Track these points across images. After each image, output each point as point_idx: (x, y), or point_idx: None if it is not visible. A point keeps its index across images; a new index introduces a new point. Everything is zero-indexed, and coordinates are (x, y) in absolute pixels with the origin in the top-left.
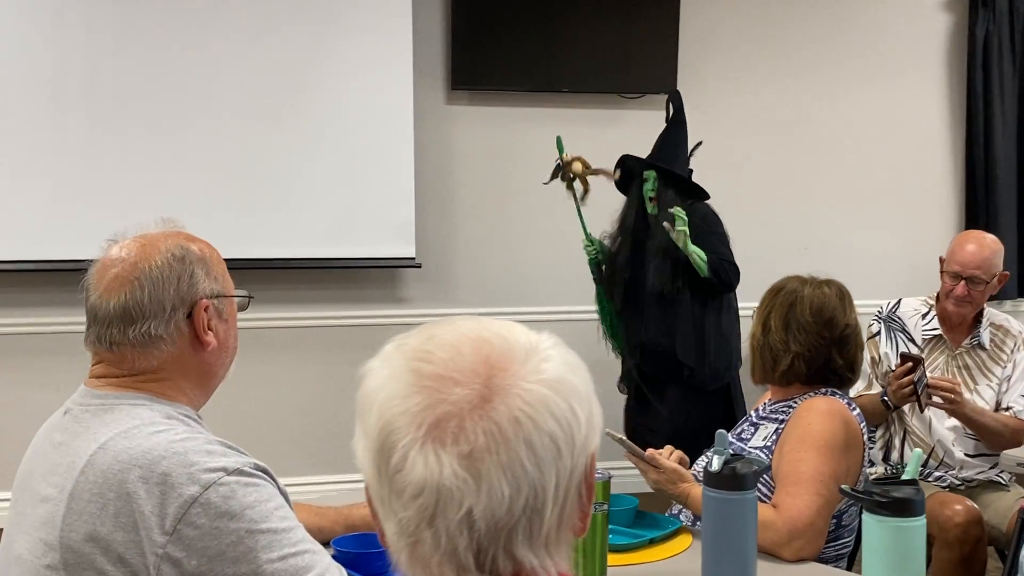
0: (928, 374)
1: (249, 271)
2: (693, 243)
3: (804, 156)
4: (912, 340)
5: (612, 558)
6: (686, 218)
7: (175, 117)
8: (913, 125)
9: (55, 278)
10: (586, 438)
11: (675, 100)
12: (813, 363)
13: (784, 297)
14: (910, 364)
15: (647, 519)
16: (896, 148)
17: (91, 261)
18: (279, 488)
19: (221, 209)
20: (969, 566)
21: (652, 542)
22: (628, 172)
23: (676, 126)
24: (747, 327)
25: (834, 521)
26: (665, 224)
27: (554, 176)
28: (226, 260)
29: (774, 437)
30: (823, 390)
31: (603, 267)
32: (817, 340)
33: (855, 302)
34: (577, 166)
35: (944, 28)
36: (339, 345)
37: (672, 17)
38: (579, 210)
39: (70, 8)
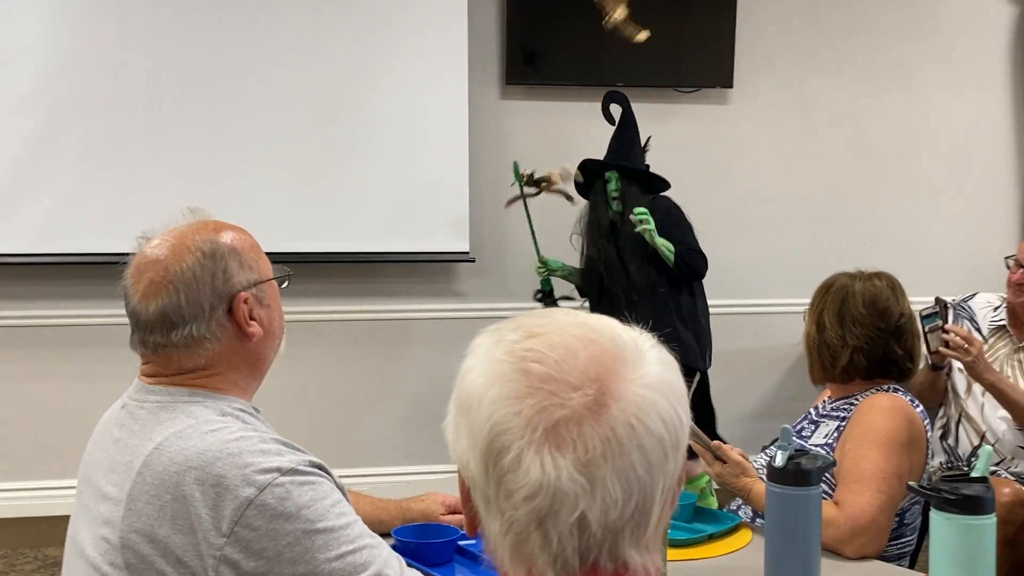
0: (951, 334)
1: (305, 265)
2: (659, 236)
3: (862, 152)
4: (978, 329)
5: (671, 553)
6: (648, 215)
7: (233, 113)
8: (974, 120)
9: (117, 271)
10: (685, 440)
11: (620, 101)
12: (872, 356)
13: (835, 293)
14: (934, 306)
15: (706, 514)
16: (957, 143)
17: (127, 259)
18: (335, 483)
19: (278, 204)
20: (1014, 547)
21: (711, 537)
22: (588, 176)
23: (626, 125)
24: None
25: (897, 519)
26: (631, 218)
27: (514, 200)
28: (282, 254)
29: (835, 434)
30: (885, 386)
31: (570, 280)
32: (874, 332)
33: (915, 299)
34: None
35: (1008, 21)
36: (395, 339)
37: (729, 10)
38: (533, 233)
39: (132, 7)
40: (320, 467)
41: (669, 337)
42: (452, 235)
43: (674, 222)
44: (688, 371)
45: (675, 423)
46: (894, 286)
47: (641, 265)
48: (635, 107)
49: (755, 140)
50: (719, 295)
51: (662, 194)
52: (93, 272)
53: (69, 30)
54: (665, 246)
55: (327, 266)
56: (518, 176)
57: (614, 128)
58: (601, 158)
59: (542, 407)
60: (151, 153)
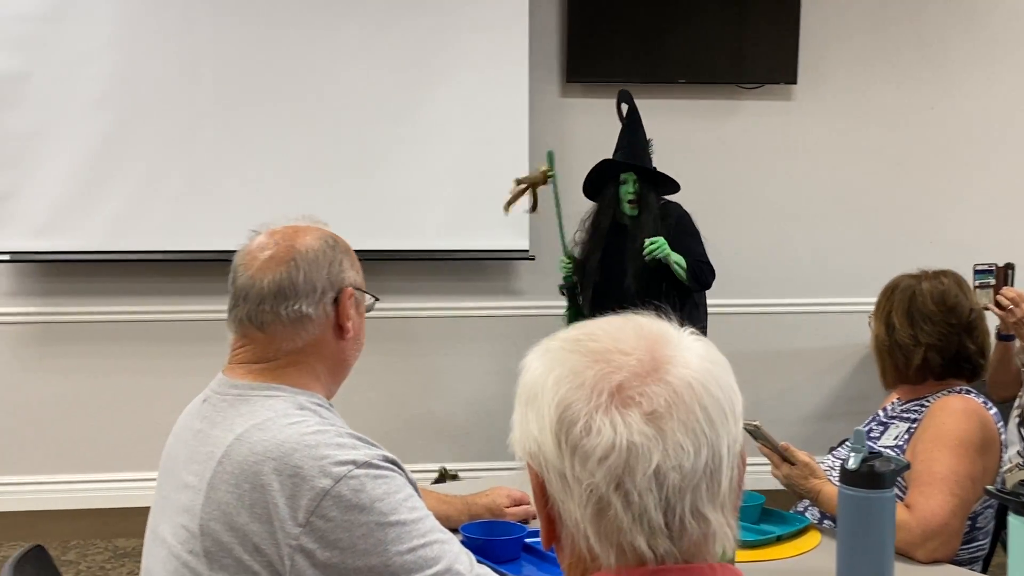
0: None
1: (366, 262)
2: (671, 246)
3: (928, 150)
4: None
5: (739, 554)
6: (662, 245)
7: (297, 114)
8: None
9: (188, 268)
10: (741, 413)
11: (628, 99)
12: (945, 352)
13: (901, 293)
14: (990, 264)
15: (774, 516)
16: (1021, 147)
17: (234, 251)
18: (408, 478)
19: (341, 202)
20: None
21: (780, 539)
22: (600, 177)
23: (636, 125)
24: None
25: (969, 523)
26: (648, 248)
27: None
28: None
29: (906, 436)
30: (957, 388)
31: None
32: (945, 329)
33: None
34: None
35: None
36: (455, 336)
37: (793, 5)
38: (561, 226)
39: (200, 11)
40: (394, 462)
41: None
42: (511, 233)
43: (685, 231)
44: None
45: (729, 390)
46: (960, 283)
47: (639, 273)
48: (696, 104)
49: (819, 137)
50: (778, 294)
51: (671, 200)
52: (161, 269)
53: (140, 33)
54: (678, 262)
55: (388, 263)
56: (552, 163)
57: (622, 126)
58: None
59: (603, 373)
60: (218, 153)
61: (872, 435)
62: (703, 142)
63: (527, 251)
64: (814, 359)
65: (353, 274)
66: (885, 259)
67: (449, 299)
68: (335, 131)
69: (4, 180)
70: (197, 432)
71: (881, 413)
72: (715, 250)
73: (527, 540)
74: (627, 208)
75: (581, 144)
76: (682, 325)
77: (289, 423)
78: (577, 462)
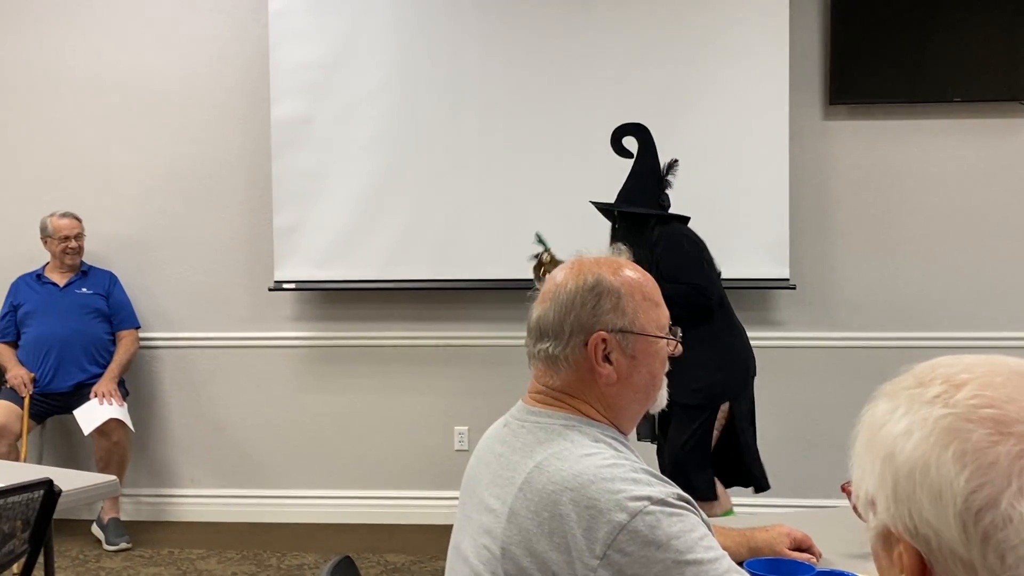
0: None
1: None
2: (667, 277)
3: None
4: None
5: None
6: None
7: (555, 143)
8: None
9: (455, 296)
10: None
11: (635, 132)
12: None
13: None
14: None
15: None
16: None
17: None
18: (702, 517)
19: (597, 229)
20: None
21: None
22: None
23: (639, 160)
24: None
25: None
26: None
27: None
28: None
29: None
30: None
31: None
32: None
33: None
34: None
35: None
36: None
37: None
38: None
39: (464, 53)
40: (687, 500)
41: (688, 381)
42: (771, 261)
43: (672, 256)
44: (711, 403)
45: None
46: None
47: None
48: (972, 124)
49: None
50: None
51: (681, 224)
52: (429, 296)
53: (410, 77)
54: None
55: None
56: (544, 242)
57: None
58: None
59: (1020, 450)
60: (482, 186)
61: None
62: (980, 165)
63: (787, 279)
64: None
65: (614, 317)
66: None
67: None
68: (592, 159)
69: (290, 216)
70: (499, 456)
71: None
72: (992, 281)
73: None
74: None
75: (846, 168)
76: (696, 363)
77: (585, 454)
78: (991, 554)
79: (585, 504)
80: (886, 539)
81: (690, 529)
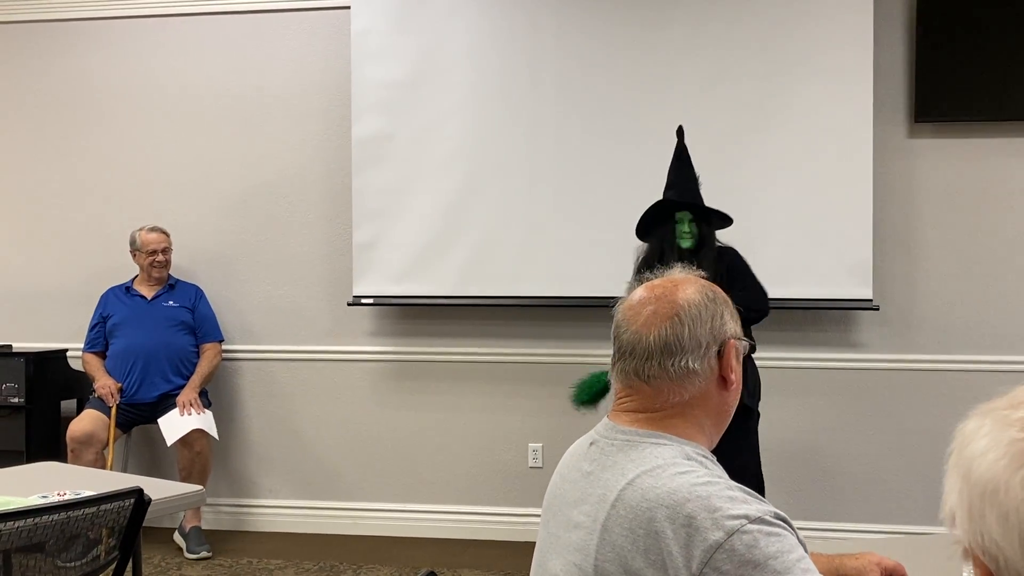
0: None
1: None
2: (732, 287)
3: None
4: None
5: None
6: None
7: (630, 164)
8: None
9: (529, 313)
10: None
11: (679, 135)
12: None
13: None
14: None
15: None
16: None
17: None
18: (799, 538)
19: None
20: None
21: None
22: (651, 217)
23: (684, 162)
24: None
25: None
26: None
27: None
28: None
29: None
30: None
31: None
32: None
33: None
34: None
35: None
36: (785, 389)
37: None
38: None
39: (542, 74)
40: (784, 520)
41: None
42: (853, 281)
43: (740, 271)
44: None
45: None
46: None
47: None
48: None
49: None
50: None
51: (721, 243)
52: (504, 313)
53: (487, 97)
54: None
55: None
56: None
57: (672, 162)
58: None
59: None
60: (555, 205)
61: None
62: None
63: (870, 299)
64: None
65: (733, 325)
66: None
67: (789, 349)
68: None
69: (369, 232)
70: (587, 474)
71: None
72: None
73: None
74: (685, 242)
75: (931, 187)
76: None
77: (678, 472)
78: None
79: (681, 522)
80: (965, 555)
81: (788, 550)
